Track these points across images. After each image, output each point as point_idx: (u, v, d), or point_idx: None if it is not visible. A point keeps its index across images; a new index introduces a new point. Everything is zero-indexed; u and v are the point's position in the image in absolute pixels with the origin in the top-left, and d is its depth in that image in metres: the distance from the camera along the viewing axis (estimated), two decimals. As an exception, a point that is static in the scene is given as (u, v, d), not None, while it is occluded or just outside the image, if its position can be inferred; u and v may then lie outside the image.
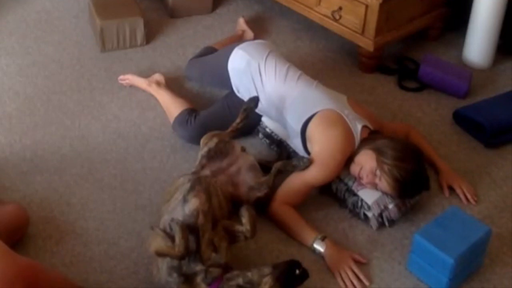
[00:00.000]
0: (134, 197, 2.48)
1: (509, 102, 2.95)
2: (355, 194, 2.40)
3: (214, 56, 2.96)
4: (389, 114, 2.93)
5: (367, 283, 2.18)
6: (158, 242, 1.97)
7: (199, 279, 1.95)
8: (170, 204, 2.10)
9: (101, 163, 2.63)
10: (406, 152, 2.31)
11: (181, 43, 3.41)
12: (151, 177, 2.57)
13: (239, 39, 3.23)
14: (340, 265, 2.21)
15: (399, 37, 3.25)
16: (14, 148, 2.68)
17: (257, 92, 2.61)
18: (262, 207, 2.35)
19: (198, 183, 2.11)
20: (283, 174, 2.46)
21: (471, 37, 3.24)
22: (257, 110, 2.59)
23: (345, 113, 2.43)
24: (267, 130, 2.72)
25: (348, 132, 2.39)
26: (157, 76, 3.00)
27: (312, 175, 2.34)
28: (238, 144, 2.47)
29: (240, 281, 1.94)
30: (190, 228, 1.96)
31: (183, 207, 2.03)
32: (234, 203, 2.26)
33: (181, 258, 1.93)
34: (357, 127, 2.42)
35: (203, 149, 2.37)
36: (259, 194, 2.35)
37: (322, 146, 2.38)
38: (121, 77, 3.06)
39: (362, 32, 3.12)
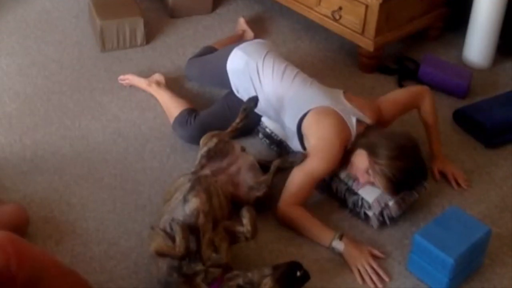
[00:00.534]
0: (134, 197, 2.48)
1: (509, 102, 2.95)
2: (355, 193, 2.40)
3: (213, 56, 2.97)
4: (389, 114, 2.93)
5: (386, 279, 2.18)
6: (158, 242, 1.97)
7: (199, 279, 1.95)
8: (170, 204, 2.10)
9: (101, 163, 2.63)
10: (400, 151, 2.29)
11: (181, 43, 3.41)
12: (151, 177, 2.57)
13: (239, 39, 3.23)
14: (358, 261, 2.21)
15: (399, 37, 3.25)
16: (14, 148, 2.68)
17: (256, 92, 2.61)
18: (262, 207, 2.35)
19: (199, 183, 2.11)
20: (282, 173, 2.47)
21: (471, 37, 3.24)
22: (256, 110, 2.59)
23: (339, 108, 2.43)
24: (267, 130, 2.72)
25: (342, 122, 2.40)
26: (157, 76, 3.00)
27: (314, 166, 2.34)
28: (237, 144, 2.47)
29: (240, 281, 1.94)
30: (190, 228, 1.96)
31: (183, 207, 2.03)
32: (234, 203, 2.26)
33: (181, 258, 1.93)
34: (352, 121, 2.42)
35: (202, 149, 2.37)
36: (258, 194, 2.35)
37: (318, 136, 2.38)
38: (121, 77, 3.06)
39: (362, 32, 3.12)
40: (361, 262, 2.20)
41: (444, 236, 2.13)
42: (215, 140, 2.38)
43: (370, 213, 2.37)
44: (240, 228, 2.06)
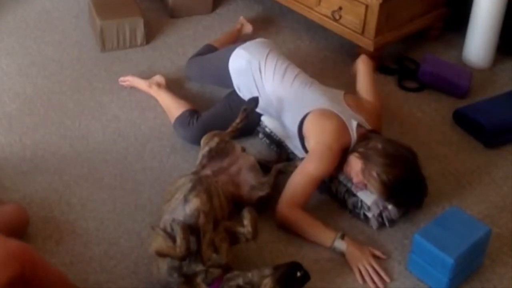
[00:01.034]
0: (134, 197, 2.48)
1: (509, 102, 2.95)
2: (354, 195, 2.40)
3: (215, 55, 2.97)
4: (389, 114, 2.93)
5: (388, 279, 2.18)
6: (159, 242, 1.97)
7: (199, 279, 1.95)
8: (171, 204, 2.10)
9: (101, 163, 2.63)
10: (396, 158, 2.29)
11: (181, 43, 3.41)
12: (151, 177, 2.57)
13: (237, 33, 3.24)
14: (360, 261, 2.20)
15: (399, 37, 3.25)
16: (14, 148, 2.68)
17: (257, 91, 2.61)
18: (263, 207, 2.35)
19: (199, 183, 2.11)
20: (284, 174, 2.47)
21: (471, 37, 3.24)
22: (258, 109, 2.59)
23: (339, 111, 2.43)
24: (267, 130, 2.72)
25: (341, 124, 2.40)
26: (158, 78, 2.99)
27: (313, 168, 2.33)
28: (238, 144, 2.47)
29: (240, 281, 1.94)
30: (191, 229, 1.96)
31: (184, 207, 2.03)
32: (235, 203, 2.26)
33: (182, 258, 1.93)
34: (352, 124, 2.42)
35: (204, 149, 2.37)
36: (261, 193, 2.35)
37: (317, 140, 2.38)
38: (121, 78, 3.06)
39: (362, 32, 3.12)
40: (362, 262, 2.20)
41: (444, 236, 2.13)
42: (216, 139, 2.38)
43: (369, 215, 2.37)
44: (240, 229, 2.06)
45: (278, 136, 2.68)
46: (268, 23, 3.59)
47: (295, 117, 2.48)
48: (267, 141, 2.73)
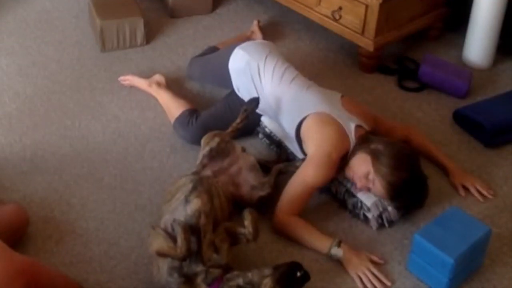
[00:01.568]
0: (134, 197, 2.48)
1: (509, 102, 2.95)
2: (354, 196, 2.40)
3: (215, 55, 2.97)
4: (389, 114, 2.93)
5: (388, 283, 2.17)
6: (159, 243, 1.97)
7: (199, 279, 1.95)
8: (171, 204, 2.10)
9: (101, 163, 2.63)
10: (401, 160, 2.28)
11: (181, 43, 3.41)
12: (151, 177, 2.57)
13: (245, 40, 3.23)
14: (359, 268, 2.19)
15: (399, 37, 3.25)
16: (14, 148, 2.68)
17: (257, 92, 2.61)
18: (263, 207, 2.35)
19: (200, 183, 2.11)
20: (284, 174, 2.47)
21: (471, 37, 3.24)
22: (258, 110, 2.59)
23: (337, 114, 2.43)
24: (266, 130, 2.72)
25: (341, 130, 2.39)
26: (158, 77, 2.99)
27: (310, 176, 2.33)
28: (238, 144, 2.47)
29: (240, 281, 1.94)
30: (191, 229, 1.96)
31: (185, 208, 2.03)
32: (236, 204, 2.26)
33: (182, 259, 1.92)
34: (350, 127, 2.41)
35: (204, 149, 2.37)
36: (261, 193, 2.35)
37: (316, 146, 2.37)
38: (121, 78, 3.06)
39: (362, 32, 3.12)
40: (361, 269, 2.19)
41: (444, 236, 2.13)
42: (217, 139, 2.38)
43: (369, 215, 2.37)
44: (241, 230, 2.06)
45: (278, 137, 2.68)
46: (268, 23, 3.59)
47: (293, 119, 2.48)
48: (267, 141, 2.73)
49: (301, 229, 2.30)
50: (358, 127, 2.43)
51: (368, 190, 2.34)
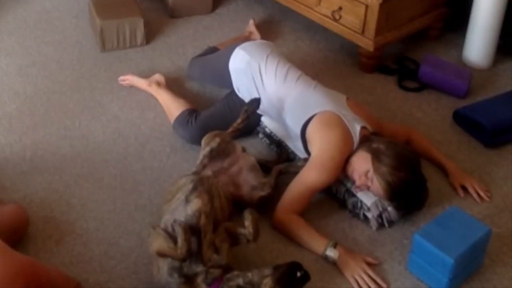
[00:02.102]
0: (134, 197, 2.48)
1: (509, 102, 2.95)
2: (354, 195, 2.40)
3: (215, 55, 2.97)
4: (389, 114, 2.93)
5: (384, 285, 2.17)
6: (160, 243, 1.97)
7: (199, 279, 1.95)
8: (172, 204, 2.10)
9: (101, 163, 2.63)
10: (401, 161, 2.28)
11: (181, 43, 3.41)
12: (151, 177, 2.57)
13: (244, 40, 3.23)
14: (355, 271, 2.18)
15: (399, 37, 3.25)
16: (14, 148, 2.68)
17: (257, 93, 2.61)
18: (264, 207, 2.35)
19: (201, 184, 2.11)
20: (284, 174, 2.47)
21: (471, 37, 3.24)
22: (259, 110, 2.59)
23: (343, 114, 2.42)
24: (267, 130, 2.72)
25: (346, 133, 2.39)
26: (157, 77, 3.00)
27: (313, 178, 2.33)
28: (238, 144, 2.47)
29: (240, 281, 1.94)
30: (192, 229, 1.96)
31: (185, 208, 2.03)
32: (236, 204, 2.26)
33: (183, 259, 1.92)
34: (356, 128, 2.41)
35: (205, 149, 2.37)
36: (262, 193, 2.35)
37: (321, 148, 2.37)
38: (121, 77, 3.06)
39: (362, 32, 3.12)
40: (357, 272, 2.18)
41: (444, 236, 2.13)
42: (217, 140, 2.38)
43: (369, 215, 2.37)
44: (241, 230, 2.06)
45: (278, 136, 2.68)
46: (268, 23, 3.60)
47: (299, 118, 2.47)
48: (267, 141, 2.73)
49: (299, 228, 2.30)
50: (363, 128, 2.43)
51: (367, 188, 2.34)
